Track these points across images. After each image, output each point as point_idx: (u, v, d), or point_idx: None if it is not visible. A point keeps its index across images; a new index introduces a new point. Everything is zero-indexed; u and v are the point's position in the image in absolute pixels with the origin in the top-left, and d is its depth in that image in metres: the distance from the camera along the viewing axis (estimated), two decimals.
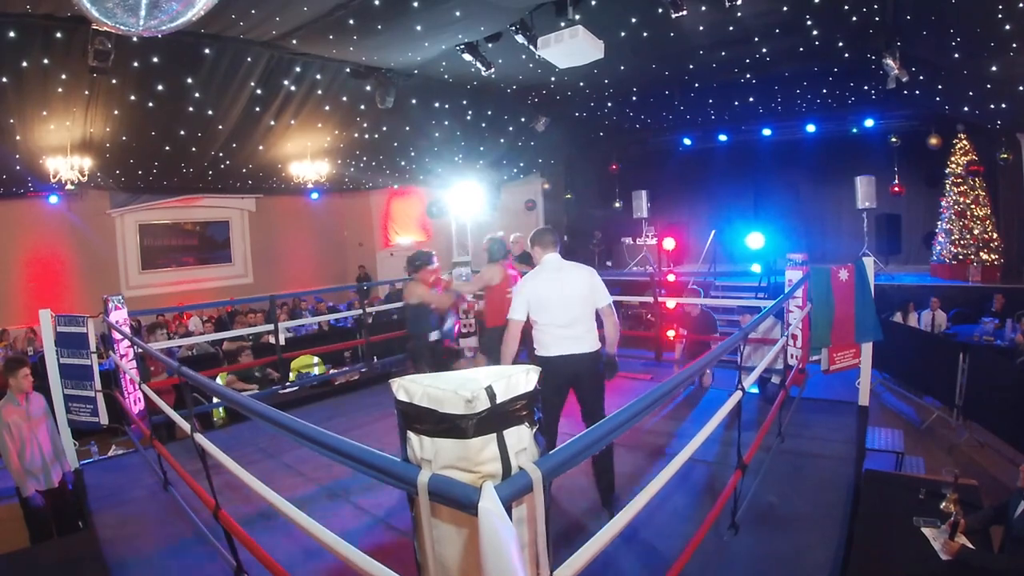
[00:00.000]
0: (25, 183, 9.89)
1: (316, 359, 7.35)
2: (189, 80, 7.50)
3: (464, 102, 10.13)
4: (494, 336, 4.59)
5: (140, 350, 4.77)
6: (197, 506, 3.32)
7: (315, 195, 13.97)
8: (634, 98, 10.64)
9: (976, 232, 9.51)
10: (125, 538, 3.32)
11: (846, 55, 8.10)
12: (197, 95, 7.84)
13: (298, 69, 7.97)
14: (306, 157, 10.84)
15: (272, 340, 6.35)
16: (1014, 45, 6.48)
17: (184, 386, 3.06)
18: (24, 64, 6.38)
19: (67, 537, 3.84)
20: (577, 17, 6.37)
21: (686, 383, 2.38)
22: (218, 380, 6.06)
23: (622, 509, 1.78)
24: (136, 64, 6.87)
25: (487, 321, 5.07)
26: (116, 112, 7.88)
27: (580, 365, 3.28)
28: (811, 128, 11.66)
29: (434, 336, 4.66)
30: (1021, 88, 7.38)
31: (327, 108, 9.21)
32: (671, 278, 8.32)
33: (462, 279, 7.04)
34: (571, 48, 6.25)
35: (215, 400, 5.78)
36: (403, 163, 12.61)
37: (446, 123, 10.54)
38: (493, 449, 1.30)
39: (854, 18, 6.84)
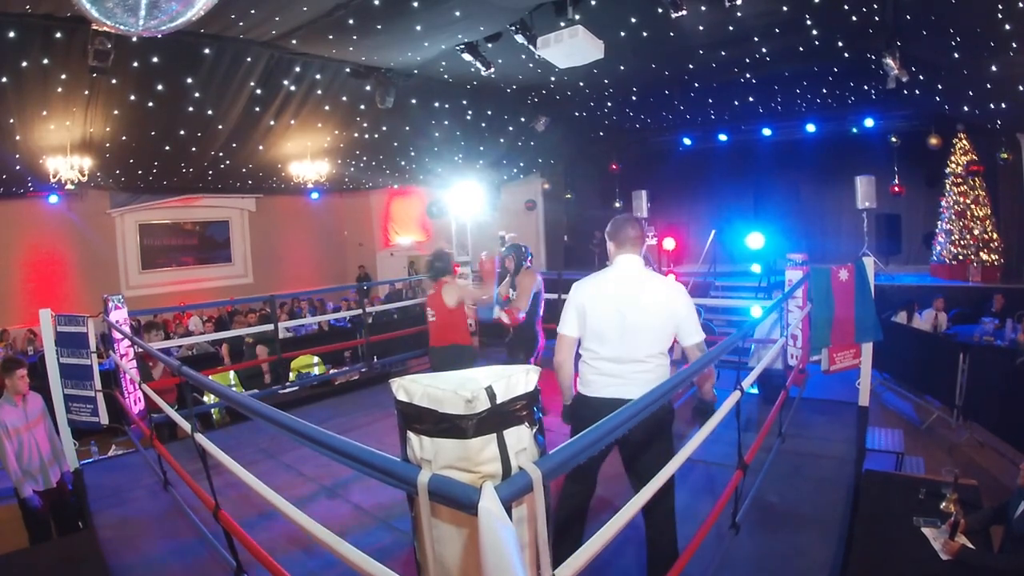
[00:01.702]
0: (25, 183, 9.90)
1: (316, 359, 7.35)
2: (189, 80, 7.51)
3: (464, 102, 10.13)
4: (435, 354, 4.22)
5: (140, 350, 4.77)
6: (197, 506, 3.31)
7: (315, 195, 13.97)
8: (634, 98, 10.64)
9: (976, 232, 9.51)
10: (125, 538, 3.32)
11: (846, 55, 8.10)
12: (197, 95, 7.84)
13: (298, 69, 7.97)
14: (306, 157, 10.85)
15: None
16: (1014, 45, 6.47)
17: (184, 386, 3.07)
18: (24, 64, 6.37)
19: (67, 537, 3.84)
20: (577, 17, 6.37)
21: (686, 383, 2.35)
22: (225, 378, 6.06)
23: (622, 509, 1.78)
24: (136, 64, 6.87)
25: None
26: (116, 112, 7.88)
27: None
28: (811, 128, 11.65)
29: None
30: (1021, 88, 7.37)
31: (327, 108, 9.22)
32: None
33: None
34: (571, 48, 6.25)
35: (213, 399, 5.78)
36: (403, 163, 12.62)
37: (446, 123, 10.54)
38: (493, 449, 1.30)
39: (854, 18, 6.84)
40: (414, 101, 9.48)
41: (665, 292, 2.48)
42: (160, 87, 7.49)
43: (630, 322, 2.42)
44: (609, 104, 11.04)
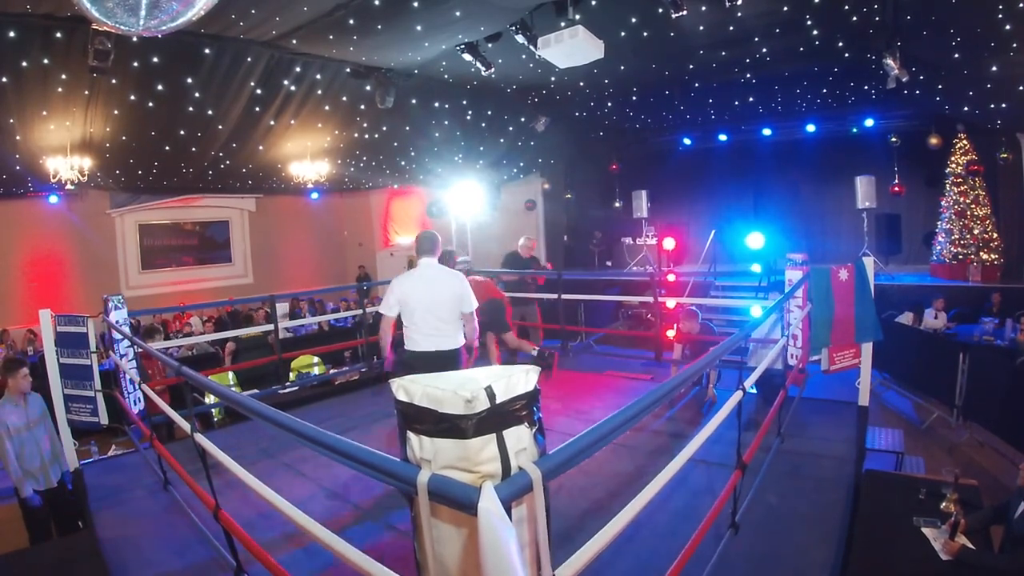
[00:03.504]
0: (25, 183, 9.90)
1: (316, 359, 7.36)
2: (189, 80, 7.50)
3: (464, 102, 10.13)
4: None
5: (140, 350, 4.77)
6: (197, 506, 3.31)
7: (315, 195, 13.98)
8: (634, 98, 10.64)
9: (976, 232, 9.51)
10: (125, 538, 3.32)
11: (846, 55, 8.10)
12: (197, 95, 7.84)
13: (298, 69, 7.97)
14: (306, 157, 10.85)
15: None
16: (1014, 45, 6.48)
17: (183, 386, 3.07)
18: (24, 64, 6.38)
19: (66, 537, 3.85)
20: (577, 17, 6.37)
21: (685, 383, 2.37)
22: None
23: (622, 509, 1.78)
24: (136, 64, 6.87)
25: None
26: (116, 112, 7.88)
27: (442, 360, 3.65)
28: (811, 128, 11.65)
29: None
30: (1021, 88, 7.38)
31: (327, 108, 9.21)
32: (671, 278, 8.33)
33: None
34: (571, 48, 6.25)
35: (212, 400, 5.78)
36: (403, 163, 12.62)
37: (446, 123, 10.54)
38: (493, 449, 1.30)
39: (854, 18, 6.84)
40: (414, 101, 9.48)
41: (450, 280, 3.74)
42: (160, 87, 7.49)
43: (432, 300, 3.65)
44: (609, 104, 11.04)
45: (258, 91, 8.12)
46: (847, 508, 3.32)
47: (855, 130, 11.38)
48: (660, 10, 6.31)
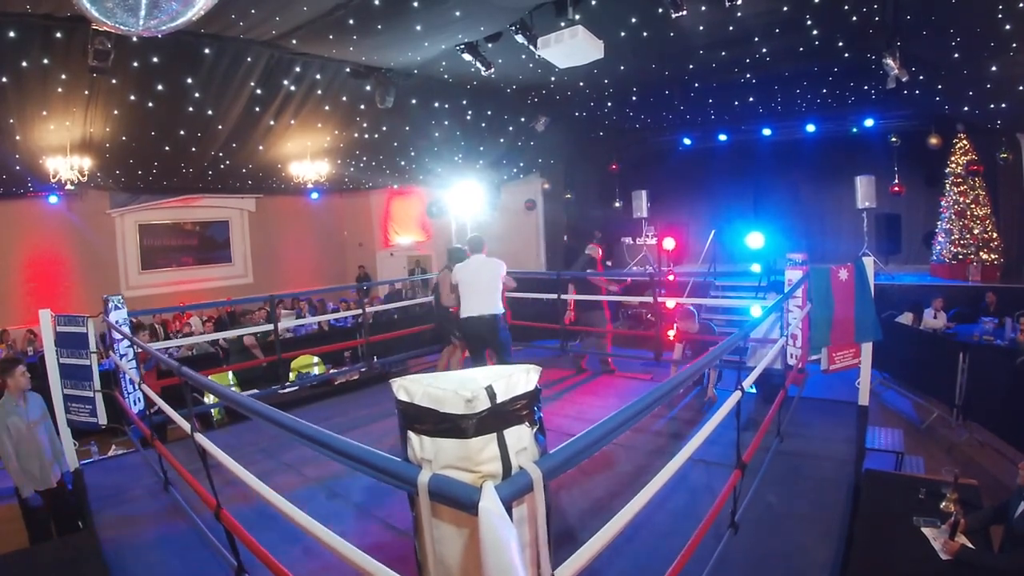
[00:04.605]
0: (25, 183, 9.90)
1: (316, 359, 7.35)
2: (189, 80, 7.50)
3: (464, 102, 10.13)
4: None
5: (139, 350, 4.77)
6: (198, 506, 3.32)
7: (315, 195, 13.97)
8: (634, 98, 10.64)
9: (976, 232, 9.51)
10: (125, 538, 3.32)
11: (846, 55, 8.10)
12: (197, 95, 7.84)
13: (298, 69, 7.97)
14: (306, 157, 10.84)
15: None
16: (1014, 45, 6.48)
17: (184, 386, 3.07)
18: (24, 64, 6.38)
19: (67, 537, 3.84)
20: (577, 17, 6.38)
21: (685, 384, 2.38)
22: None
23: (622, 509, 1.78)
24: (136, 64, 6.87)
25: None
26: (116, 112, 7.88)
27: (487, 322, 5.07)
28: (811, 128, 11.65)
29: None
30: (1021, 88, 7.38)
31: (327, 108, 9.21)
32: (671, 278, 8.33)
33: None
34: (571, 48, 6.26)
35: (210, 400, 5.78)
36: (403, 163, 12.62)
37: (446, 123, 10.54)
38: (493, 449, 1.30)
39: (854, 18, 6.84)
40: (414, 101, 9.48)
41: (492, 265, 5.16)
42: (160, 87, 7.49)
43: (479, 279, 5.11)
44: (609, 104, 11.04)
45: (258, 91, 8.11)
46: (847, 508, 3.32)
47: (855, 130, 11.38)
48: (660, 10, 6.31)
